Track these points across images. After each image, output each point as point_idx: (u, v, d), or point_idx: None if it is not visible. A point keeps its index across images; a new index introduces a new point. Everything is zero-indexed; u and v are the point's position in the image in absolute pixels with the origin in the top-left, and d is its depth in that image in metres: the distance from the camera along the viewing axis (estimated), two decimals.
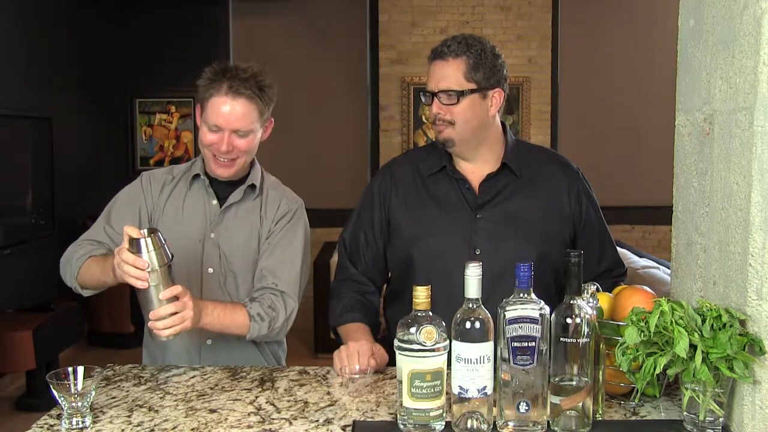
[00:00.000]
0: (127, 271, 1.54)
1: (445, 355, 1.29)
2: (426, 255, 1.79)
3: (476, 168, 1.82)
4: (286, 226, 1.89)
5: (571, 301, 1.30)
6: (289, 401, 1.50)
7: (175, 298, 1.59)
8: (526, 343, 1.27)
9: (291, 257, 1.87)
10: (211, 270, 1.87)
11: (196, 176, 1.90)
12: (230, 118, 1.76)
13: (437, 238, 1.78)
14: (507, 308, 1.28)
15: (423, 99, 1.82)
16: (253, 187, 1.90)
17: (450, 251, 1.75)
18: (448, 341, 1.29)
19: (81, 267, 1.80)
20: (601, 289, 1.50)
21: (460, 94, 1.72)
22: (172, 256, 1.60)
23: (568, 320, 1.29)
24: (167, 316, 1.58)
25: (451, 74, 1.72)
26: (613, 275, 1.89)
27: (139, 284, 1.55)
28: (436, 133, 1.79)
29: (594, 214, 1.88)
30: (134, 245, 1.54)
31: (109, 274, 1.65)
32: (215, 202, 1.89)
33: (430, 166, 1.84)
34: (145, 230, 1.56)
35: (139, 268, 1.54)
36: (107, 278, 1.69)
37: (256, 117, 1.80)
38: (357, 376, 1.56)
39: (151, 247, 1.54)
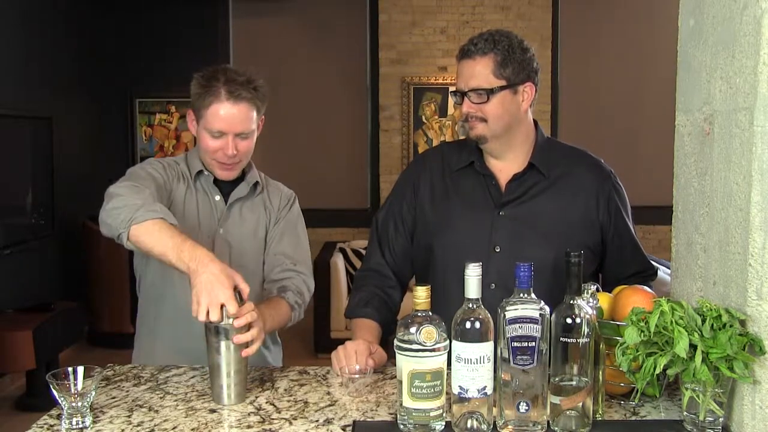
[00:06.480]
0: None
1: (445, 355, 1.29)
2: (446, 248, 1.79)
3: (505, 166, 1.81)
4: (289, 213, 2.00)
5: (571, 301, 1.30)
6: (289, 401, 1.50)
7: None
8: (526, 343, 1.27)
9: (300, 239, 2.00)
10: None
11: (200, 172, 1.90)
12: (233, 122, 1.79)
13: (458, 232, 1.79)
14: (507, 308, 1.28)
15: (453, 99, 1.81)
16: (256, 184, 1.95)
17: (470, 246, 1.75)
18: (448, 341, 1.29)
19: (143, 223, 1.57)
20: (601, 289, 1.50)
21: (490, 92, 1.71)
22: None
23: (568, 320, 1.29)
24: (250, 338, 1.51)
25: (479, 72, 1.71)
26: (642, 276, 1.87)
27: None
28: (467, 130, 1.78)
29: (625, 220, 1.85)
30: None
31: (178, 265, 1.52)
32: (219, 197, 1.92)
33: (459, 160, 1.84)
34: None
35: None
36: (171, 262, 1.54)
37: (255, 117, 1.84)
38: (357, 376, 1.56)
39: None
